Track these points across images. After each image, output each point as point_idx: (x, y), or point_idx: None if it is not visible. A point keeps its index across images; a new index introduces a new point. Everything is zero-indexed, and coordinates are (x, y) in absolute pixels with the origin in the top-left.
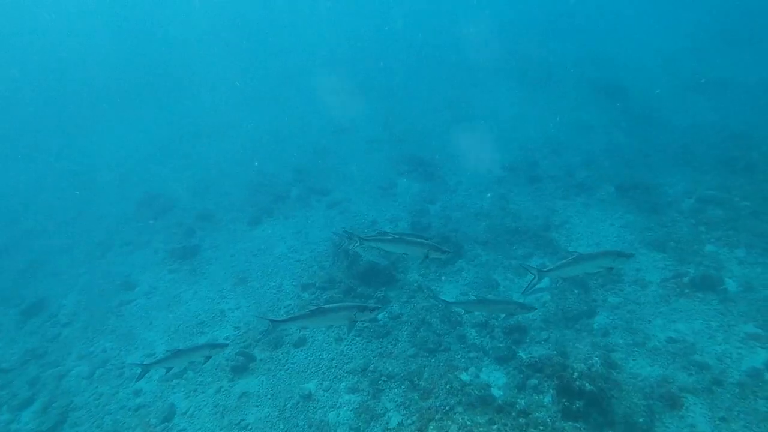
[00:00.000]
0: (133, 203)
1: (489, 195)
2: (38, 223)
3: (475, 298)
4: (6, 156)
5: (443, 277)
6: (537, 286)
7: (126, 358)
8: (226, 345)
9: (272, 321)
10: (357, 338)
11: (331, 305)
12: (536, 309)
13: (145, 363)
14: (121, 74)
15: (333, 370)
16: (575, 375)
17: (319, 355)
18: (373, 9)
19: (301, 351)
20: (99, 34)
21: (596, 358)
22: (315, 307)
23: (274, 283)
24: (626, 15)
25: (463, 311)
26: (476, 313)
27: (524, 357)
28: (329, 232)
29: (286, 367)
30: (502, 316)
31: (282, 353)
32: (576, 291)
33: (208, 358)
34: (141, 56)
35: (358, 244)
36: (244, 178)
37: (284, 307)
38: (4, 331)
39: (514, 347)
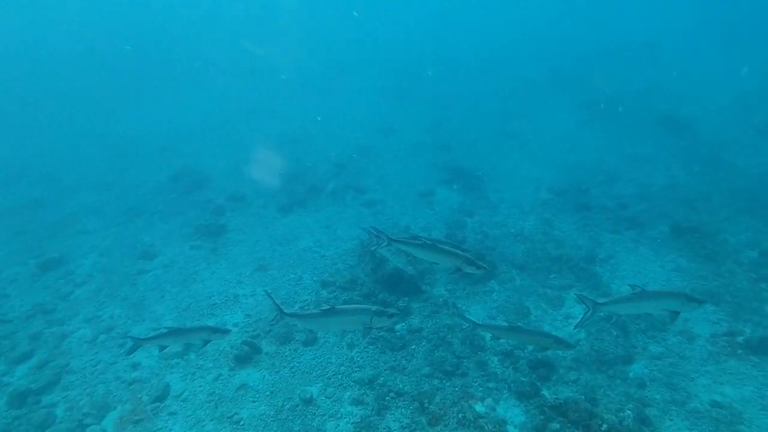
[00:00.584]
0: (168, 176)
1: (532, 217)
2: (76, 182)
3: (507, 324)
4: (51, 116)
5: (473, 296)
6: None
7: (132, 329)
8: (228, 331)
9: (281, 311)
10: (370, 347)
11: (346, 306)
12: (575, 347)
13: (139, 337)
14: (172, 53)
15: (339, 376)
16: (604, 427)
17: (328, 358)
18: (428, 15)
19: (310, 350)
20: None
21: (629, 411)
22: (328, 307)
23: (293, 275)
24: (698, 49)
25: (490, 336)
26: (505, 340)
27: (548, 396)
28: (359, 231)
29: (291, 365)
30: (531, 348)
31: (290, 350)
32: (614, 332)
33: (207, 342)
34: (194, 37)
35: (385, 244)
36: (281, 165)
37: (300, 302)
38: (20, 280)
39: (538, 384)
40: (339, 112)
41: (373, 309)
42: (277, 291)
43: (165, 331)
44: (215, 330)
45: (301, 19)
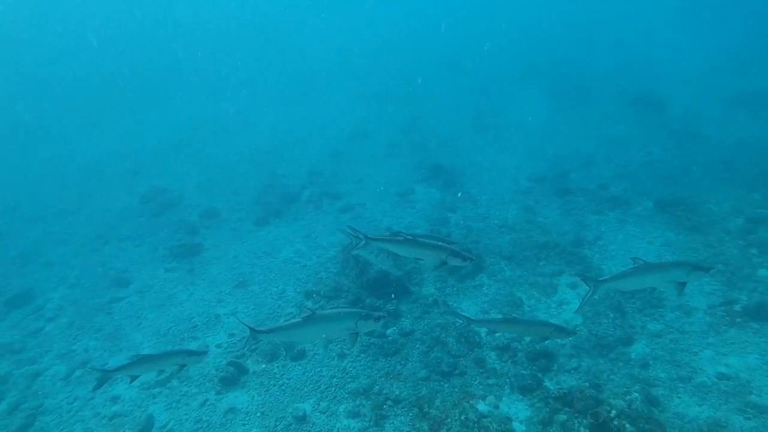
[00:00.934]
0: (138, 198)
1: (514, 207)
2: (38, 211)
3: (502, 317)
4: (19, 146)
5: (461, 292)
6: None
7: (109, 360)
8: (204, 353)
9: (253, 330)
10: (362, 355)
11: (327, 311)
12: (576, 333)
13: (105, 369)
14: (136, 72)
15: (333, 389)
16: (613, 413)
17: (319, 371)
18: (393, 16)
19: (299, 365)
20: (115, 30)
21: (636, 394)
22: (309, 313)
23: (276, 289)
24: (660, 27)
25: (485, 331)
26: (501, 334)
27: (551, 387)
28: (340, 237)
29: (280, 382)
30: (529, 339)
31: (277, 366)
32: (611, 315)
33: (182, 366)
34: (156, 55)
35: (363, 243)
36: (255, 177)
37: (285, 316)
38: None
39: (539, 375)
40: (311, 120)
41: (357, 312)
42: (259, 307)
43: (135, 359)
44: (190, 353)
45: (267, 30)
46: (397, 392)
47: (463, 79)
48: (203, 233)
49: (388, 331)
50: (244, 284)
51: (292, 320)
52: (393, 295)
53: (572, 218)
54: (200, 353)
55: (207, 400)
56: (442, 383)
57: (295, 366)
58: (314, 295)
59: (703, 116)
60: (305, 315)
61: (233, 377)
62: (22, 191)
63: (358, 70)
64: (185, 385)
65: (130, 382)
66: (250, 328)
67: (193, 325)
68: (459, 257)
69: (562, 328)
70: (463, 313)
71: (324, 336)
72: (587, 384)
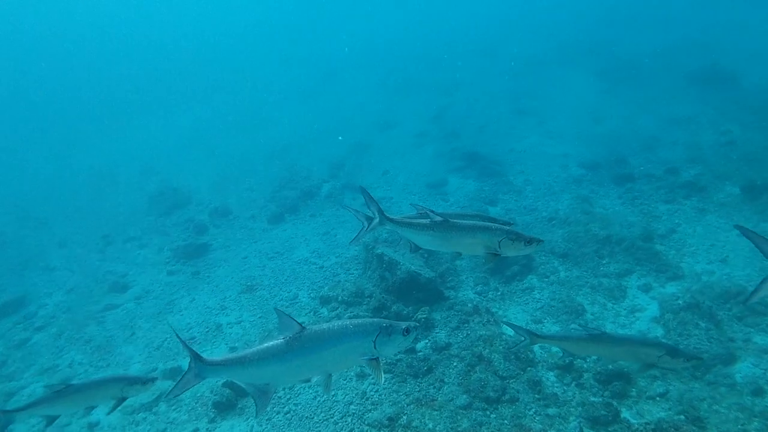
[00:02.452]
0: (147, 197)
1: (566, 197)
2: (46, 213)
3: (584, 333)
4: (34, 151)
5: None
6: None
7: (93, 376)
8: (151, 381)
9: (196, 359)
10: (386, 375)
11: (334, 325)
12: (702, 359)
13: (5, 409)
14: (154, 70)
15: (350, 419)
16: None
17: (333, 395)
18: (422, 4)
19: (310, 388)
20: (131, 31)
21: None
22: (298, 328)
23: (287, 294)
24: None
25: (556, 350)
26: (579, 356)
27: (634, 421)
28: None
29: (286, 408)
30: (624, 364)
31: (284, 389)
32: (702, 324)
33: (122, 400)
34: (174, 53)
35: (377, 222)
36: (272, 172)
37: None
38: None
39: (614, 404)
40: (334, 113)
41: (375, 324)
42: (267, 315)
43: (52, 391)
44: (132, 381)
45: (283, 26)
46: (431, 424)
47: (499, 64)
48: (212, 232)
49: (419, 345)
50: (251, 289)
51: (269, 344)
52: (426, 307)
53: (637, 208)
54: (147, 380)
55: (197, 430)
56: (488, 413)
57: (304, 389)
58: (331, 301)
59: None
60: (296, 333)
61: (230, 401)
62: (32, 194)
63: (384, 61)
64: (174, 410)
65: (46, 426)
66: (192, 354)
67: (190, 337)
68: (520, 240)
69: (677, 350)
70: (522, 326)
71: (321, 371)
72: (683, 417)
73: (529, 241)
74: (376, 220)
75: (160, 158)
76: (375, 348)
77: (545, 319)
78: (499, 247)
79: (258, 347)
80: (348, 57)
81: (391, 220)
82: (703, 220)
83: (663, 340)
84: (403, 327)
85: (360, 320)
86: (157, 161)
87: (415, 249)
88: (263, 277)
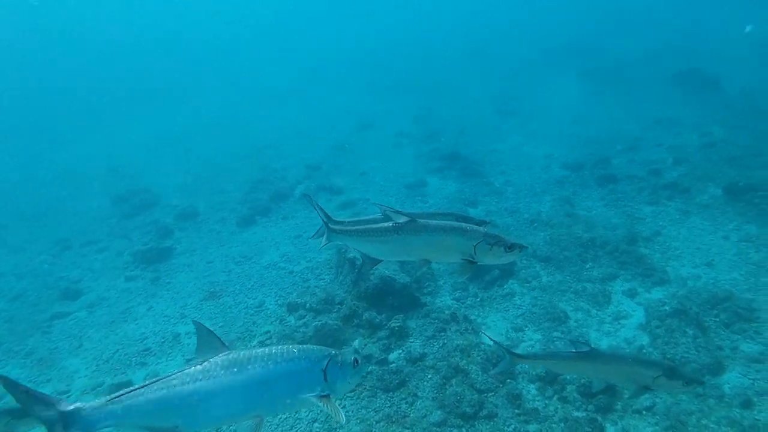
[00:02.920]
0: (111, 199)
1: (548, 198)
2: (3, 218)
3: (570, 350)
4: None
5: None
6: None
7: None
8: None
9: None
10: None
11: (260, 351)
12: (704, 383)
13: None
14: (131, 71)
15: None
16: None
17: (295, 413)
18: (410, 7)
19: None
20: (106, 31)
21: None
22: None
23: (253, 301)
24: (698, 2)
25: (537, 369)
26: (565, 375)
27: None
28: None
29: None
30: (618, 385)
31: None
32: (689, 332)
33: None
34: (155, 53)
35: (325, 240)
36: (246, 173)
37: (260, 336)
38: None
39: (599, 419)
40: (315, 114)
41: (321, 355)
42: (230, 324)
43: None
44: (22, 414)
45: (267, 26)
46: None
47: (485, 66)
48: (177, 236)
49: (392, 356)
50: (215, 295)
51: (190, 372)
52: (400, 314)
53: (621, 210)
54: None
55: None
56: (465, 430)
57: None
58: (299, 308)
59: (766, 93)
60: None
61: None
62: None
63: (369, 64)
64: None
65: None
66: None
67: (144, 348)
68: (500, 244)
69: (675, 370)
70: (486, 333)
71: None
72: None
73: (510, 247)
74: (324, 237)
75: (130, 159)
76: (324, 383)
77: (527, 326)
78: (475, 253)
79: (166, 379)
80: (332, 58)
81: (337, 232)
82: (687, 222)
83: (659, 359)
84: (352, 358)
85: (294, 350)
86: (126, 162)
87: (372, 264)
88: (228, 283)
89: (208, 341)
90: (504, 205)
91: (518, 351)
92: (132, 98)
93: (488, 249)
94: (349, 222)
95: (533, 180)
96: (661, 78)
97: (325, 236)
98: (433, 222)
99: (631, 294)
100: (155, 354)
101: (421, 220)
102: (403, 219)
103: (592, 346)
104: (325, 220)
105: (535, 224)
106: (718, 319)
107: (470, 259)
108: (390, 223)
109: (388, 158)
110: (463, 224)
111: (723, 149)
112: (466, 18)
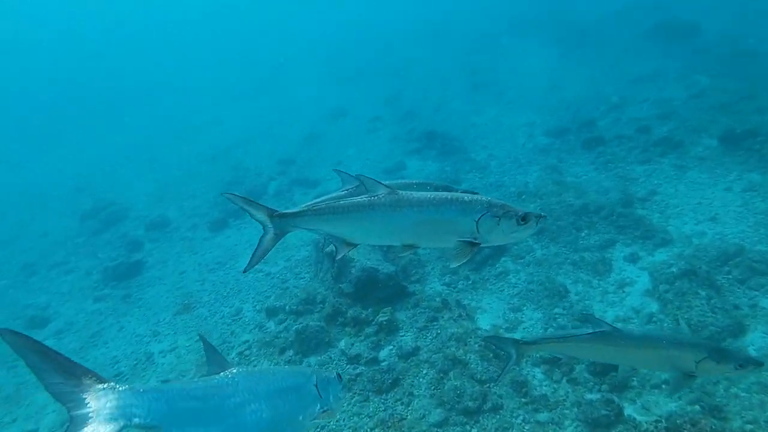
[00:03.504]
0: (79, 216)
1: (534, 168)
2: None
3: (588, 330)
4: None
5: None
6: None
7: None
8: None
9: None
10: (344, 392)
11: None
12: (763, 364)
13: None
14: (89, 82)
15: None
16: None
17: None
18: None
19: None
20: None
21: None
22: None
23: (229, 309)
24: None
25: (555, 356)
26: (585, 359)
27: (640, 419)
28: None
29: None
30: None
31: None
32: (702, 293)
33: None
34: (112, 61)
35: (268, 224)
36: (216, 176)
37: (239, 346)
38: None
39: (615, 399)
40: (282, 108)
41: (303, 373)
42: (207, 336)
43: None
44: None
45: (229, 26)
46: None
47: (453, 42)
48: (147, 248)
49: (382, 354)
50: (188, 308)
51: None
52: (388, 307)
53: (612, 173)
54: None
55: None
56: (468, 428)
57: None
58: (279, 312)
59: (748, 35)
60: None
61: None
62: None
63: (331, 54)
64: None
65: None
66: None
67: (116, 373)
68: (512, 216)
69: (724, 352)
70: (480, 317)
71: None
72: (697, 408)
73: (524, 218)
74: (270, 226)
75: (96, 174)
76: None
77: (525, 306)
78: (478, 231)
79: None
80: (295, 52)
81: (289, 216)
82: (684, 177)
83: (700, 338)
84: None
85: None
86: (92, 178)
87: (346, 248)
88: (202, 293)
89: (214, 358)
90: (489, 180)
91: (517, 335)
92: (93, 112)
93: (495, 224)
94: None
95: (517, 151)
96: (637, 33)
97: (271, 230)
98: (421, 194)
99: (633, 259)
100: (128, 378)
101: (406, 192)
102: (382, 190)
103: (610, 324)
104: (264, 211)
105: (524, 196)
106: (731, 276)
107: (471, 239)
108: (365, 197)
109: (364, 144)
110: (460, 194)
111: (712, 97)
112: None
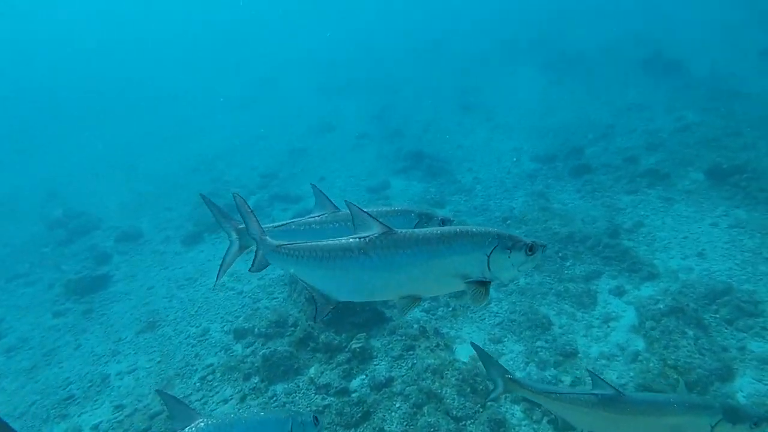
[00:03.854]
0: (45, 226)
1: (520, 194)
2: None
3: (590, 391)
4: None
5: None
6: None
7: None
8: None
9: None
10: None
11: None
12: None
13: None
14: (75, 90)
15: None
16: None
17: None
18: (365, 8)
19: None
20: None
21: None
22: None
23: (196, 329)
24: None
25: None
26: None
27: None
28: None
29: None
30: None
31: None
32: (689, 332)
33: None
34: (99, 69)
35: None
36: (195, 188)
37: (202, 370)
38: None
39: None
40: (268, 121)
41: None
42: (168, 358)
43: None
44: None
45: (222, 37)
46: None
47: (443, 62)
48: (116, 261)
49: (354, 384)
50: (153, 326)
51: None
52: (362, 333)
53: (599, 201)
54: None
55: None
56: None
57: None
58: (248, 334)
59: (735, 75)
60: None
61: None
62: None
63: (323, 67)
64: None
65: None
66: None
67: (67, 396)
68: (521, 247)
69: (740, 410)
70: (457, 347)
71: None
72: None
73: (531, 248)
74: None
75: (71, 181)
76: None
77: (506, 337)
78: (489, 267)
79: None
80: (284, 64)
81: (279, 253)
82: (670, 210)
83: (711, 399)
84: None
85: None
86: (67, 185)
87: (328, 306)
88: (169, 311)
89: (179, 412)
90: (473, 204)
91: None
92: (73, 118)
93: (506, 257)
94: (287, 224)
95: (503, 175)
96: (627, 65)
97: (258, 257)
98: (423, 230)
99: (619, 292)
100: (79, 402)
101: (404, 231)
102: (376, 228)
103: (612, 386)
104: (257, 233)
105: (508, 222)
106: (718, 316)
107: (480, 278)
108: (353, 238)
109: (349, 161)
110: (467, 227)
111: (698, 132)
112: (417, 15)
